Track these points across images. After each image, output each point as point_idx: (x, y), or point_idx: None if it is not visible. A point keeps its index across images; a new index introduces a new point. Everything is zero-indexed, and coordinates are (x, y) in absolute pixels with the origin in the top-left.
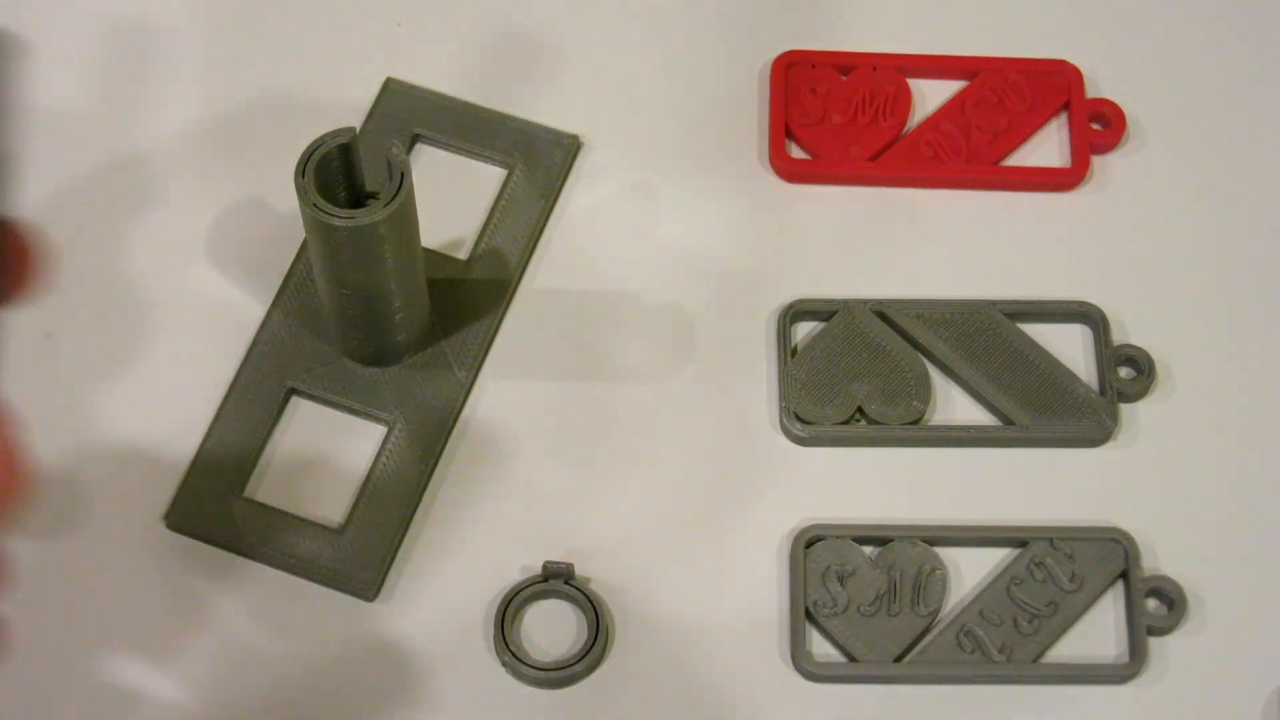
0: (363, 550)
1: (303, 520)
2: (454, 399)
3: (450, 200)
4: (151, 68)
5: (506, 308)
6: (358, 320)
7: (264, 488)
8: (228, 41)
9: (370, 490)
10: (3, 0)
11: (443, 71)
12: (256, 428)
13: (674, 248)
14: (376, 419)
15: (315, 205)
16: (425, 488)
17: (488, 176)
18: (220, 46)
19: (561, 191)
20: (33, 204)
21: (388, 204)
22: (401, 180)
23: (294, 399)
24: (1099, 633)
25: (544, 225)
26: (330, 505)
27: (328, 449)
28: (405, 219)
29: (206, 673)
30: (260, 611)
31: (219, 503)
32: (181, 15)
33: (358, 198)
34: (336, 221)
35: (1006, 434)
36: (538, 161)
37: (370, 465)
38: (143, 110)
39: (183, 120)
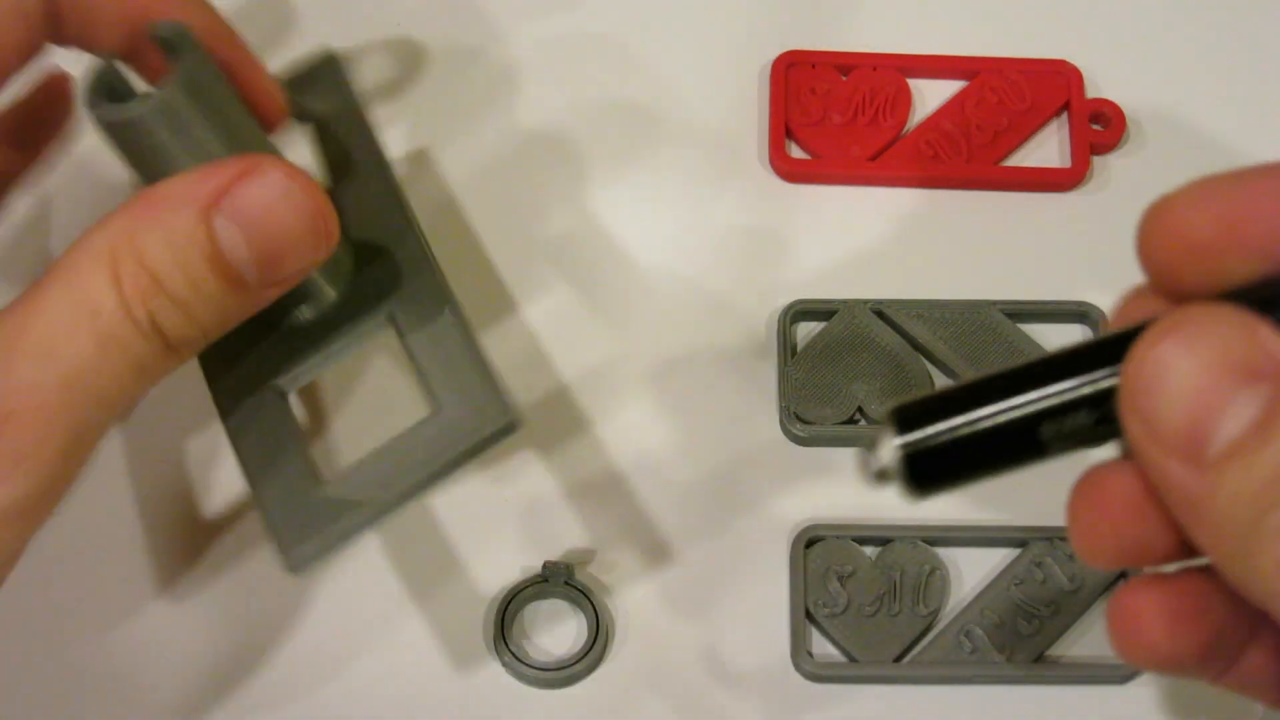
0: (465, 400)
1: (399, 439)
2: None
3: None
4: None
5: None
6: None
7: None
8: None
9: (425, 369)
10: None
11: (443, 71)
12: (294, 444)
13: (674, 248)
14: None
15: (88, 106)
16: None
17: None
18: None
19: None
20: (27, 202)
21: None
22: (179, 57)
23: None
24: (1099, 633)
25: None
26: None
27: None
28: (201, 109)
29: (207, 670)
30: (261, 611)
31: (311, 505)
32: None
33: None
34: (100, 115)
35: None
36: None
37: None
38: None
39: None
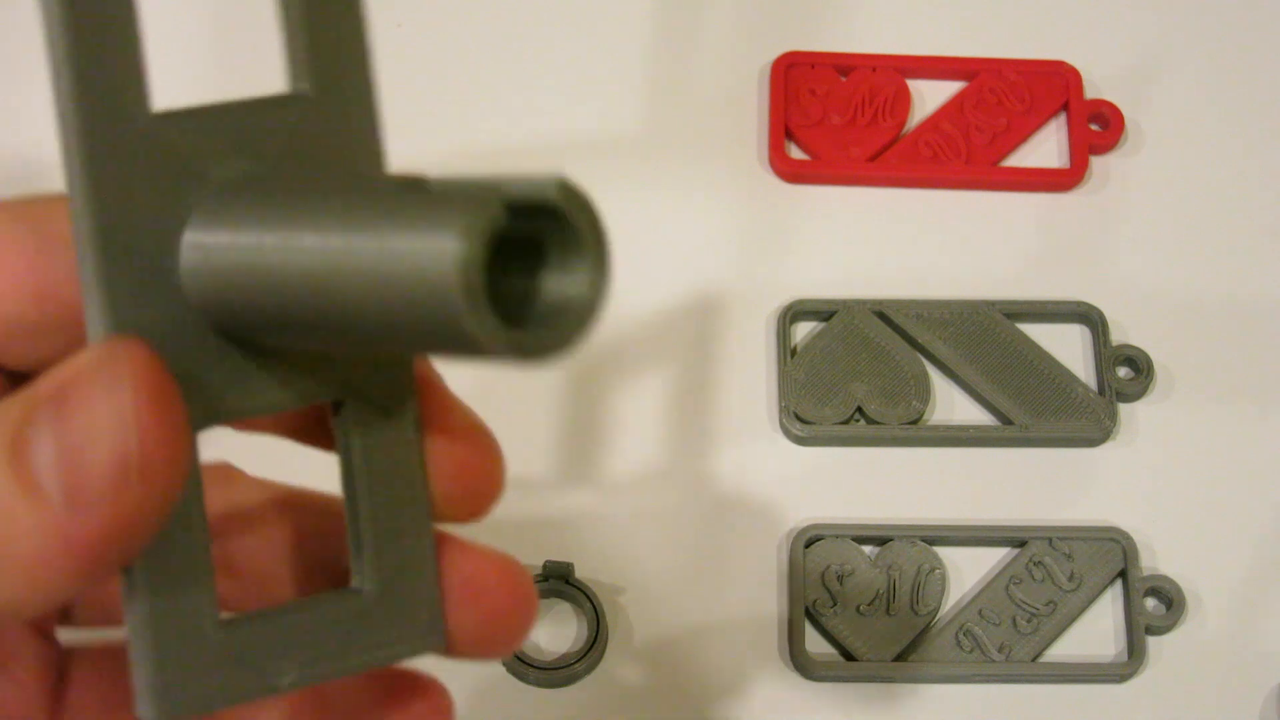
0: (400, 598)
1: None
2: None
3: None
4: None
5: None
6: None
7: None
8: (230, 42)
9: (366, 517)
10: None
11: (443, 70)
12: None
13: (674, 248)
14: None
15: None
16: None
17: None
18: (222, 47)
19: None
20: None
21: None
22: None
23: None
24: (1097, 632)
25: None
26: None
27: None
28: None
29: None
30: None
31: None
32: (184, 17)
33: None
34: None
35: (1005, 434)
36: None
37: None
38: None
39: None
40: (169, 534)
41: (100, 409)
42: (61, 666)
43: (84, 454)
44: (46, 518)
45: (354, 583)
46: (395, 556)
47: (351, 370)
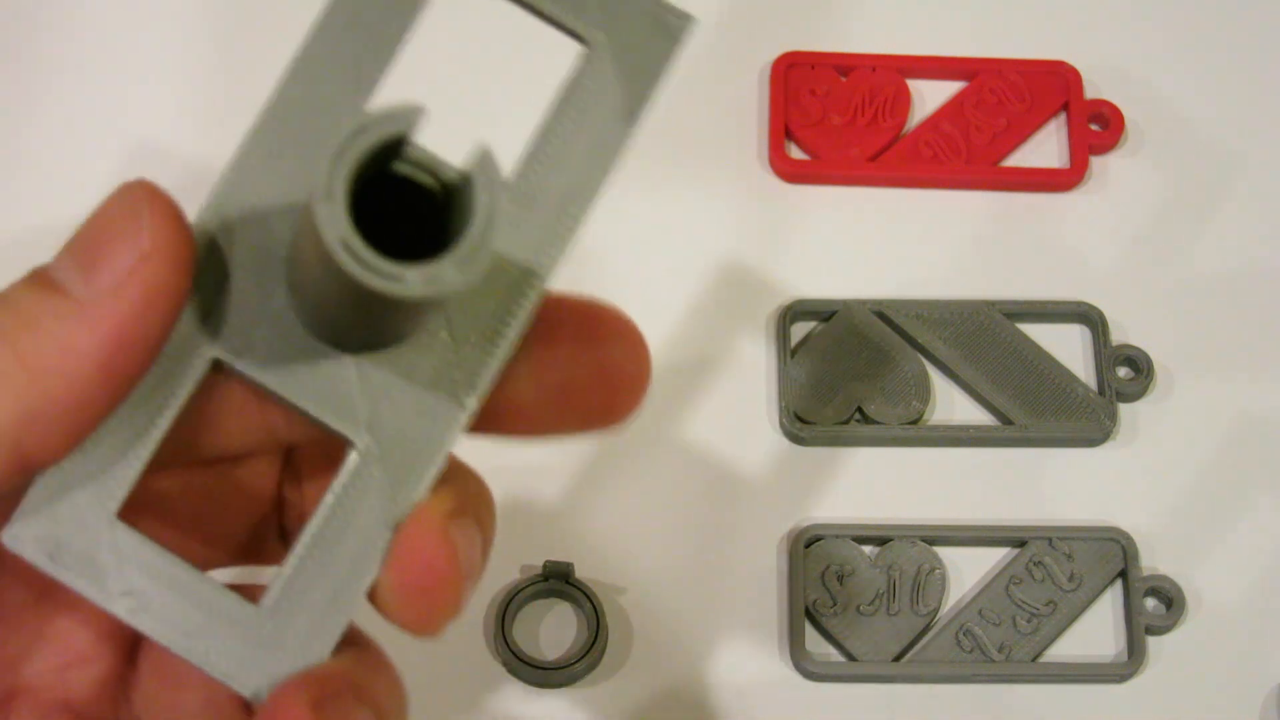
0: (274, 635)
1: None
2: (446, 427)
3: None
4: (157, 70)
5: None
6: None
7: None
8: (234, 43)
9: (299, 555)
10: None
11: (447, 68)
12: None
13: (674, 247)
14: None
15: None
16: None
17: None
18: (226, 47)
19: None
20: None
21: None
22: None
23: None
24: (1097, 631)
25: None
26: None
27: None
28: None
29: None
30: None
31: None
32: (190, 15)
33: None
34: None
35: (1005, 434)
36: (628, 45)
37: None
38: (147, 113)
39: (191, 122)
40: (129, 412)
41: (116, 216)
42: (131, 649)
43: (99, 254)
44: (70, 309)
45: (262, 599)
46: (299, 606)
47: (379, 421)
